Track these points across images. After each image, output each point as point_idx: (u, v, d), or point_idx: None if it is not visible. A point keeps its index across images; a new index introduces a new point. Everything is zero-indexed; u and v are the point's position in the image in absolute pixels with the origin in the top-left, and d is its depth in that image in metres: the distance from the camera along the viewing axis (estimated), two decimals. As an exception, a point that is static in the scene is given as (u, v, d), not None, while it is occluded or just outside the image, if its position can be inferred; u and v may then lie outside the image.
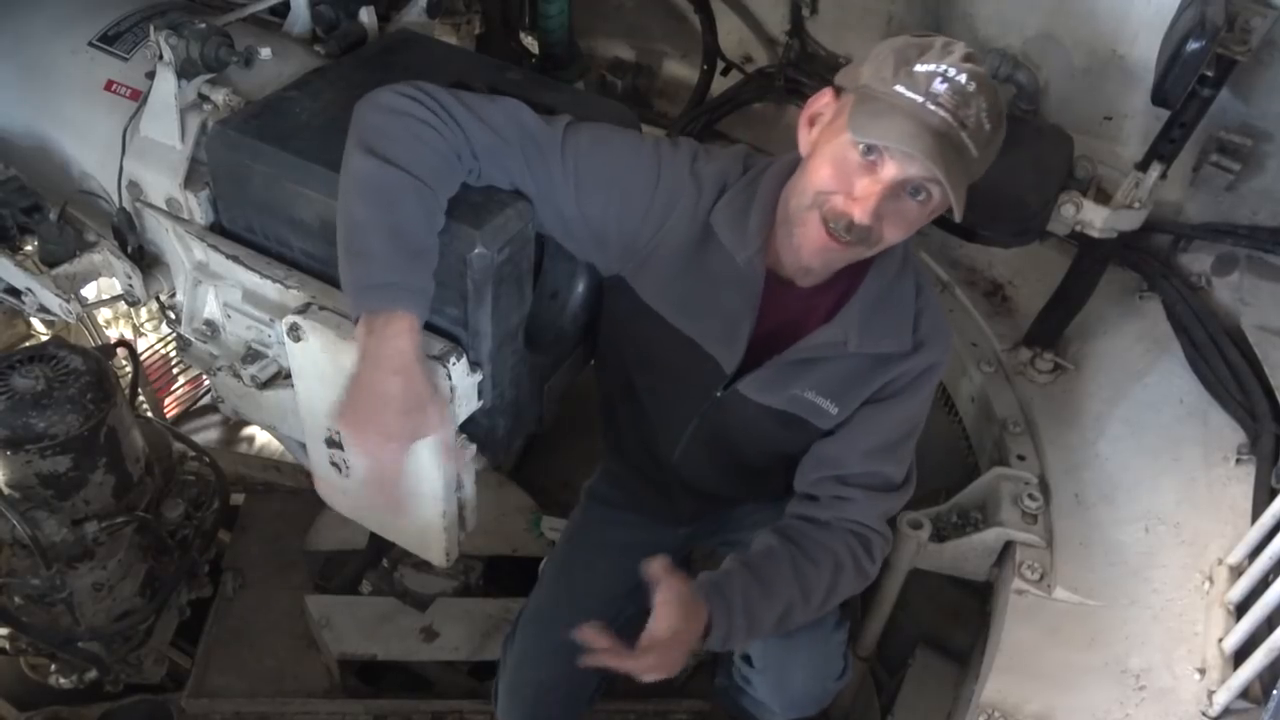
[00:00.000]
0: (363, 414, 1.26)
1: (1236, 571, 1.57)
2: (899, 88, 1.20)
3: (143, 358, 3.32)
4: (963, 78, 1.19)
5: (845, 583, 1.51)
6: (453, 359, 1.35)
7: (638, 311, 1.50)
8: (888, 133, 1.20)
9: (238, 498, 2.57)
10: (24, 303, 1.75)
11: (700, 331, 1.48)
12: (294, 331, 1.39)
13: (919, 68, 1.20)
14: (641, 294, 1.49)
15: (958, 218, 1.25)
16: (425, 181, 1.27)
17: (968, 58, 1.21)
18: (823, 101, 1.34)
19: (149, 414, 3.16)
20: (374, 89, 1.35)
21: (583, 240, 1.46)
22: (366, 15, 1.74)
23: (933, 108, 1.19)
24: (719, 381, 1.51)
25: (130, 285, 1.70)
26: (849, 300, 1.44)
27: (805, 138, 1.35)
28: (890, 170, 1.22)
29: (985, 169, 1.28)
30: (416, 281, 1.26)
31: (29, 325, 2.79)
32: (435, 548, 1.56)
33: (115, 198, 1.63)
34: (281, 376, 1.57)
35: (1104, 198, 1.88)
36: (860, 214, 1.25)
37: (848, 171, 1.25)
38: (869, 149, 1.23)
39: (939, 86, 1.19)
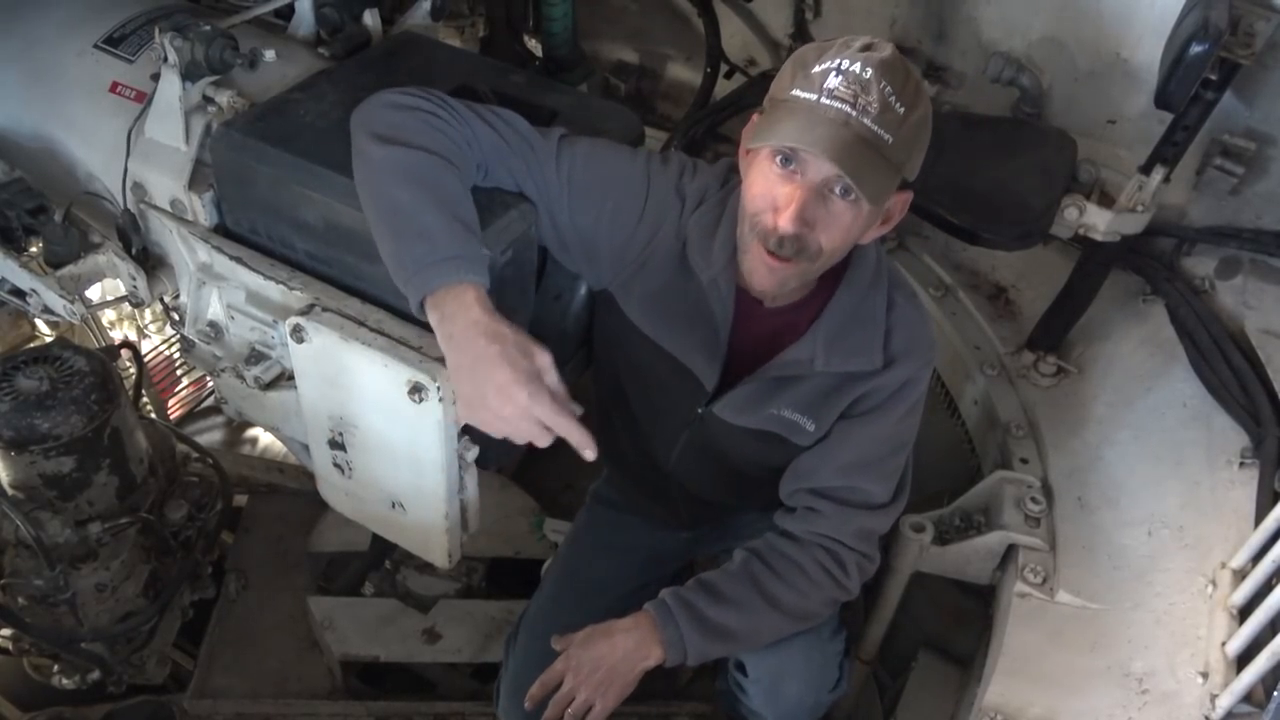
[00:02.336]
0: (487, 396, 1.22)
1: (1239, 575, 1.57)
2: (796, 91, 1.21)
3: (146, 359, 3.32)
4: (857, 66, 1.17)
5: (819, 596, 1.50)
6: (456, 360, 1.35)
7: (623, 327, 1.51)
8: (777, 134, 1.20)
9: (241, 499, 2.57)
10: (29, 304, 1.75)
11: (681, 348, 1.48)
12: (297, 333, 1.39)
13: (815, 68, 1.20)
14: (626, 310, 1.50)
15: (870, 203, 1.23)
16: (450, 160, 1.28)
17: (868, 47, 1.20)
18: (752, 124, 1.33)
19: (153, 415, 3.16)
20: (377, 91, 1.35)
21: (574, 251, 1.46)
22: (371, 18, 1.74)
23: (828, 102, 1.18)
24: (702, 398, 1.51)
25: (134, 287, 1.71)
26: (820, 317, 1.43)
27: (743, 163, 1.35)
28: (807, 174, 1.22)
29: (918, 151, 1.26)
30: (476, 250, 1.25)
31: (33, 327, 2.79)
32: (438, 549, 1.56)
33: (120, 199, 1.63)
34: (284, 378, 1.57)
35: (1107, 201, 1.88)
36: (784, 222, 1.23)
37: (771, 184, 1.25)
38: (785, 159, 1.23)
39: (833, 81, 1.18)
